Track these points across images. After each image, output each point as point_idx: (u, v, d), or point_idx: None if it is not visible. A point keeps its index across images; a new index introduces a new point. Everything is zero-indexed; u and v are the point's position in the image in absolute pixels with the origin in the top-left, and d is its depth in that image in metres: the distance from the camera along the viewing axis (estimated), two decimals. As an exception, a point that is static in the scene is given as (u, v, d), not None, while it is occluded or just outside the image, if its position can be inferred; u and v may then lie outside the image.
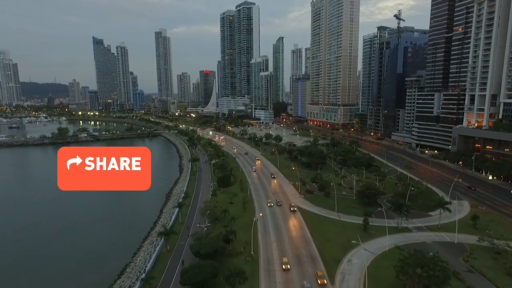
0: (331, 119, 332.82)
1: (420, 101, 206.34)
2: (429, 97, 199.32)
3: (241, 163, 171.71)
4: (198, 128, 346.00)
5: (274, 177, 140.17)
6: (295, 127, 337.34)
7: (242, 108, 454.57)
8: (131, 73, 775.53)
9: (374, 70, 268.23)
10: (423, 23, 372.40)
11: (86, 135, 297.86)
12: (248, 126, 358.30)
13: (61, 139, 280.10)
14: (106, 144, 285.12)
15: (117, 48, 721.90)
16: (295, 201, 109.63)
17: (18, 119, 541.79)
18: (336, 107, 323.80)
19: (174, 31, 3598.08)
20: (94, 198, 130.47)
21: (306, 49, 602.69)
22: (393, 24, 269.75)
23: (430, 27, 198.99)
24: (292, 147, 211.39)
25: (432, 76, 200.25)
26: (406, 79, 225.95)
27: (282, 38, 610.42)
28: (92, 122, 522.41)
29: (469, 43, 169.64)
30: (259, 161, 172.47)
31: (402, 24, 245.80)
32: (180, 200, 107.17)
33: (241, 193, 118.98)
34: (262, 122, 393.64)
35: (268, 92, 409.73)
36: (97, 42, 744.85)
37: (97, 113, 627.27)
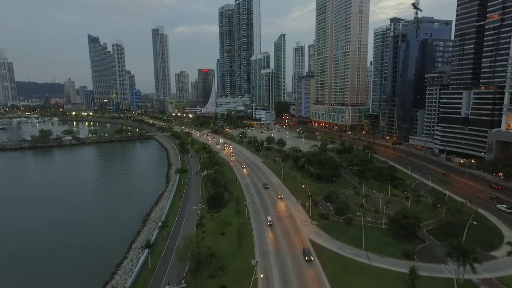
0: (338, 120, 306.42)
1: (445, 100, 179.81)
2: (456, 95, 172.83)
3: (238, 174, 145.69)
4: (194, 130, 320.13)
5: (280, 197, 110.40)
6: (299, 129, 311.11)
7: (242, 108, 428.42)
8: (128, 72, 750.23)
9: (387, 66, 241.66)
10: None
11: (70, 138, 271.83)
12: (248, 128, 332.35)
13: (42, 143, 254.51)
14: (93, 149, 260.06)
15: (113, 46, 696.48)
16: (306, 232, 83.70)
17: (8, 119, 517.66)
18: (344, 107, 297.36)
19: (175, 31, 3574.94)
20: (55, 223, 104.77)
21: (309, 46, 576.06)
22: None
23: (457, 15, 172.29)
24: (297, 152, 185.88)
25: (459, 72, 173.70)
26: (426, 75, 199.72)
27: (284, 35, 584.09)
28: (86, 123, 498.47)
29: (508, 31, 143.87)
30: (282, 203, 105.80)
31: (419, 15, 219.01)
32: (153, 236, 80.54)
33: (237, 218, 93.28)
34: (263, 123, 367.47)
35: (269, 91, 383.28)
36: (93, 40, 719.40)
37: (91, 113, 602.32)
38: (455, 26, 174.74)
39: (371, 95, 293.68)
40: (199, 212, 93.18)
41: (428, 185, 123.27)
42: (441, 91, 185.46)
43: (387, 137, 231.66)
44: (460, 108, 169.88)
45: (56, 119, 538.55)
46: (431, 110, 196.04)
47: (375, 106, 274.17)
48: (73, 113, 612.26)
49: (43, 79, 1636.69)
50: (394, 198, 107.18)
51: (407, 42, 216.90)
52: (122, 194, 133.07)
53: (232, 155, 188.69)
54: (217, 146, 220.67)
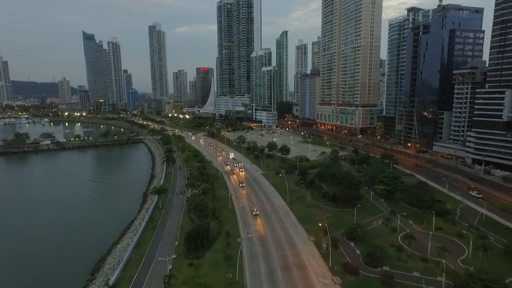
0: (347, 122, 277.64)
1: (481, 101, 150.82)
2: (496, 95, 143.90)
3: (232, 189, 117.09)
4: (190, 133, 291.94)
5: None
6: (303, 132, 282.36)
7: (241, 108, 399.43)
8: (125, 71, 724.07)
9: (405, 62, 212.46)
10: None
11: (49, 142, 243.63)
12: (248, 131, 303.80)
13: (15, 148, 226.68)
14: (73, 155, 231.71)
15: (108, 43, 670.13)
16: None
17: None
18: (353, 108, 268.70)
19: (177, 31, 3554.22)
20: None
21: (313, 44, 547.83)
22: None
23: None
24: (304, 162, 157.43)
25: (499, 67, 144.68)
26: (454, 71, 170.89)
27: (286, 32, 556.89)
28: (79, 124, 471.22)
29: None
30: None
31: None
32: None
33: (225, 268, 65.09)
34: (264, 126, 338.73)
35: (271, 90, 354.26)
36: (88, 38, 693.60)
37: (84, 114, 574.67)
38: (494, 12, 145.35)
39: (384, 94, 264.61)
40: (171, 259, 64.57)
41: (478, 211, 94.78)
42: (475, 90, 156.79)
43: (408, 143, 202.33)
44: (501, 110, 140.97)
45: (46, 120, 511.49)
46: (460, 112, 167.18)
47: (389, 107, 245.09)
48: (66, 113, 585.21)
49: (43, 79, 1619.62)
50: (441, 234, 78.65)
51: (430, 33, 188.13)
52: (83, 222, 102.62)
53: (242, 186, 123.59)
54: (227, 168, 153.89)
